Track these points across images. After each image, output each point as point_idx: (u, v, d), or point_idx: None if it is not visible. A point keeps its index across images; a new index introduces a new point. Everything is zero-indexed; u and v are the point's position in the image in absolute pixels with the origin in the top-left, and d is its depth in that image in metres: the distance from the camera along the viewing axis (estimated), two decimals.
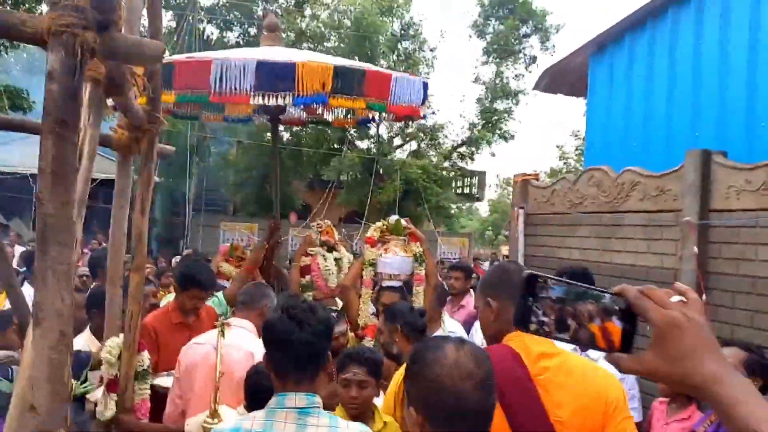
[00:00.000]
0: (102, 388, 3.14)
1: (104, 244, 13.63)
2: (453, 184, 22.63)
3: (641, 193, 4.71)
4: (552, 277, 0.98)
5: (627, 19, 5.52)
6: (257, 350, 3.01)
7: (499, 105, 20.37)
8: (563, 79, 6.73)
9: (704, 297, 4.04)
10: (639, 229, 4.73)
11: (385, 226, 4.58)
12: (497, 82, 20.49)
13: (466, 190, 25.27)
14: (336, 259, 4.89)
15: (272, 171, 6.91)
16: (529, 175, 6.30)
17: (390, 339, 3.18)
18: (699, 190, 4.15)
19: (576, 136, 24.24)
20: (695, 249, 4.10)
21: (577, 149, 24.36)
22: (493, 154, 21.23)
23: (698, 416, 2.96)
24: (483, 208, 37.42)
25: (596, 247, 5.18)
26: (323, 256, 4.85)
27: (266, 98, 4.41)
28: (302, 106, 6.28)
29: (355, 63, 5.16)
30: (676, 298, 0.91)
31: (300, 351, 1.88)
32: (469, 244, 25.37)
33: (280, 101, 4.59)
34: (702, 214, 4.14)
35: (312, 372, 1.92)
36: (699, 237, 4.12)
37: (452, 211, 21.56)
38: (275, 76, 4.63)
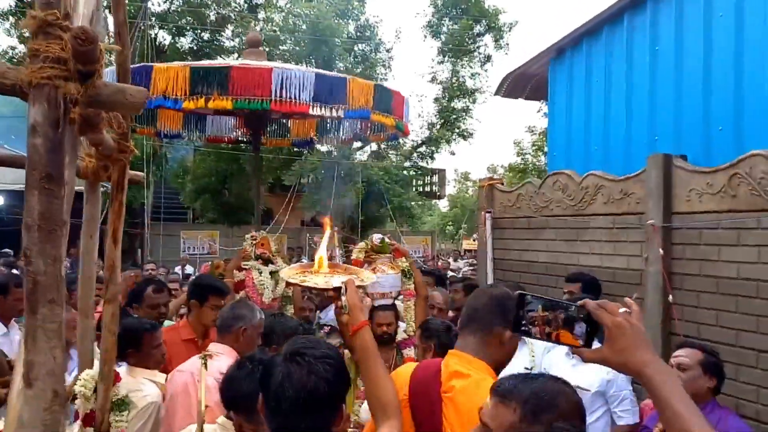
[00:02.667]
0: (78, 422, 3.08)
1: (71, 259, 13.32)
2: (414, 183, 22.75)
3: (605, 196, 4.82)
4: (535, 294, 1.36)
5: (585, 24, 5.63)
6: None
7: (457, 104, 20.56)
8: (524, 84, 6.83)
9: (670, 297, 4.16)
10: (604, 231, 4.84)
11: (369, 247, 4.51)
12: (454, 81, 20.67)
13: (427, 188, 25.45)
14: (272, 272, 4.77)
15: (253, 187, 6.87)
16: (494, 179, 6.38)
17: (423, 356, 3.20)
18: (661, 194, 4.27)
19: (532, 131, 24.63)
20: (660, 251, 4.21)
21: (533, 144, 24.74)
22: (452, 153, 21.40)
23: None
24: (443, 203, 37.70)
25: (563, 249, 5.28)
26: (258, 269, 4.74)
27: (323, 109, 4.54)
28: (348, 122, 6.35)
29: (217, 63, 5.23)
30: (622, 310, 1.30)
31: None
32: (432, 242, 25.58)
33: (335, 113, 4.76)
34: (665, 216, 4.26)
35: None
36: (663, 239, 4.23)
37: (414, 211, 21.64)
38: (330, 90, 4.75)
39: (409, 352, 4.13)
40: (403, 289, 4.43)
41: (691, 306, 4.10)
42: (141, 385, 3.20)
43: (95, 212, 3.11)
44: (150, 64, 4.63)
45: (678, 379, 1.32)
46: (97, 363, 3.06)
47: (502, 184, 6.26)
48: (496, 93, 6.93)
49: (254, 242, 4.93)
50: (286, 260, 5.12)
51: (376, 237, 4.59)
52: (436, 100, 20.65)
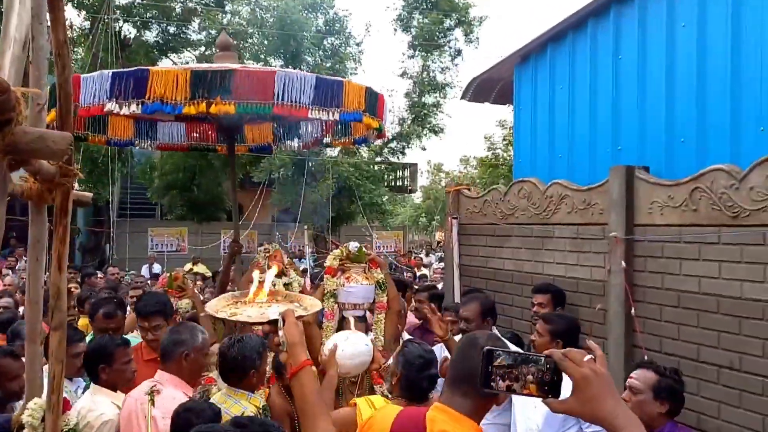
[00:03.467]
0: None
1: (24, 260, 13.02)
2: (385, 178, 22.70)
3: (569, 206, 4.80)
4: (503, 349, 1.40)
5: (550, 30, 5.59)
6: None
7: (428, 99, 20.52)
8: (489, 88, 6.78)
9: (633, 310, 4.16)
10: (568, 241, 4.83)
11: (344, 254, 4.41)
12: (424, 75, 20.60)
13: (399, 183, 25.42)
14: (285, 285, 4.65)
15: (230, 193, 6.72)
16: (461, 185, 6.34)
17: (390, 378, 3.11)
18: (624, 206, 4.25)
19: (503, 126, 24.72)
20: (623, 263, 4.20)
21: (504, 139, 24.83)
22: (423, 149, 21.37)
23: None
24: (416, 194, 37.73)
25: (528, 258, 5.26)
26: (272, 282, 4.68)
27: (320, 112, 4.46)
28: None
29: (220, 66, 5.16)
30: (587, 357, 1.32)
31: None
32: (403, 237, 25.58)
33: (331, 116, 4.68)
34: (627, 228, 4.25)
35: None
36: (625, 251, 4.22)
37: (386, 207, 21.59)
38: (328, 93, 4.68)
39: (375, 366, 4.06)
40: (376, 301, 4.32)
41: (653, 319, 4.10)
42: (97, 405, 3.14)
43: (41, 235, 2.97)
44: (146, 67, 4.47)
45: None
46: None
47: (469, 189, 6.22)
48: (462, 97, 6.88)
49: (267, 255, 4.83)
50: (298, 272, 5.03)
51: (353, 245, 4.48)
52: (407, 95, 20.59)
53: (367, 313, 4.41)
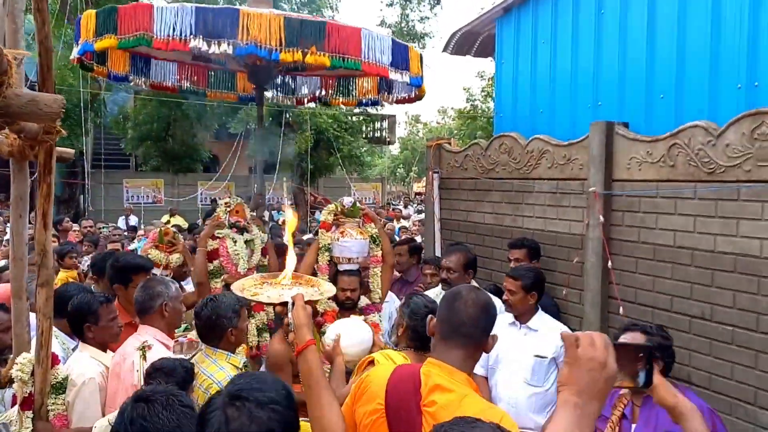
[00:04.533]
0: (16, 407, 3.02)
1: (5, 211, 12.77)
2: (363, 129, 22.56)
3: (549, 161, 4.86)
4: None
5: None
6: None
7: None
8: (471, 42, 6.73)
9: (609, 263, 4.28)
10: (548, 195, 4.90)
11: (338, 209, 4.42)
12: (403, 25, 20.32)
13: (377, 134, 25.30)
14: (247, 241, 4.66)
15: (256, 144, 6.61)
16: (441, 139, 6.35)
17: (397, 330, 3.19)
18: (603, 161, 4.32)
19: (482, 77, 24.56)
20: (601, 217, 4.30)
21: (483, 90, 24.71)
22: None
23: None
24: (393, 146, 37.65)
25: (508, 212, 5.34)
26: (233, 238, 4.59)
27: (204, 44, 4.21)
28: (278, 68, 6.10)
29: (310, 17, 5.04)
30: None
31: None
32: (382, 188, 25.62)
33: (404, 78, 4.65)
34: (606, 183, 4.33)
35: None
36: (603, 206, 4.31)
37: (364, 159, 21.53)
38: (400, 55, 4.69)
39: (373, 318, 4.13)
40: (371, 255, 4.38)
41: (629, 271, 4.22)
42: (80, 363, 3.17)
43: (23, 192, 2.97)
44: (235, 6, 4.32)
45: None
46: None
47: (449, 143, 6.24)
48: (444, 50, 6.83)
49: (228, 209, 4.72)
50: (261, 228, 4.95)
51: (347, 200, 4.49)
52: None
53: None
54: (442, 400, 1.88)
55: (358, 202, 4.51)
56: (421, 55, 5.11)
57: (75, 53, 4.80)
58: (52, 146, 2.77)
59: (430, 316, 2.12)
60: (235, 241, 4.57)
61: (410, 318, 3.14)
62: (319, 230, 4.44)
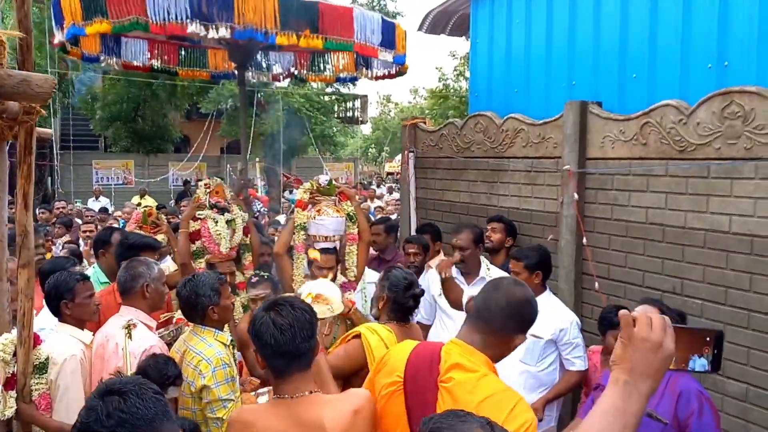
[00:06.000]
0: None
1: None
2: (336, 109, 22.46)
3: (524, 140, 4.93)
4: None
5: None
6: (159, 345, 3.05)
7: None
8: (446, 20, 6.74)
9: (584, 240, 4.38)
10: (523, 174, 4.98)
11: (314, 188, 4.42)
12: (375, 3, 20.18)
13: (350, 114, 25.22)
14: (228, 221, 4.63)
15: (241, 128, 6.55)
16: (417, 118, 6.39)
17: (377, 303, 3.27)
18: (577, 140, 4.40)
19: (454, 56, 24.55)
20: (575, 195, 4.39)
21: (455, 70, 24.72)
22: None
23: None
24: (365, 125, 37.57)
25: (483, 191, 5.41)
26: (214, 219, 4.57)
27: (202, 29, 4.15)
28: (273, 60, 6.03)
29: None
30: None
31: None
32: (354, 168, 25.60)
33: (387, 56, 4.66)
34: (580, 162, 4.41)
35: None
36: (577, 184, 4.40)
37: (337, 138, 21.46)
38: (389, 34, 4.69)
39: (350, 295, 4.16)
40: (347, 233, 4.41)
41: (602, 248, 4.32)
42: (60, 342, 3.17)
43: (2, 172, 2.94)
44: None
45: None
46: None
47: (425, 123, 6.28)
48: (419, 29, 6.84)
49: (208, 191, 4.72)
50: (242, 208, 4.93)
51: (323, 178, 4.51)
52: None
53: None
54: (460, 377, 1.93)
55: (333, 180, 4.53)
56: (405, 32, 5.13)
57: (61, 37, 4.67)
58: (33, 126, 2.74)
59: (470, 296, 2.18)
60: (217, 222, 4.56)
61: (390, 290, 3.22)
62: (295, 209, 4.46)
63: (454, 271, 4.38)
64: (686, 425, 2.67)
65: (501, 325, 2.04)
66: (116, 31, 4.40)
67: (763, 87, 3.38)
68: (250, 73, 7.01)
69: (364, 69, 6.43)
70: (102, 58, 6.06)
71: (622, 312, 1.30)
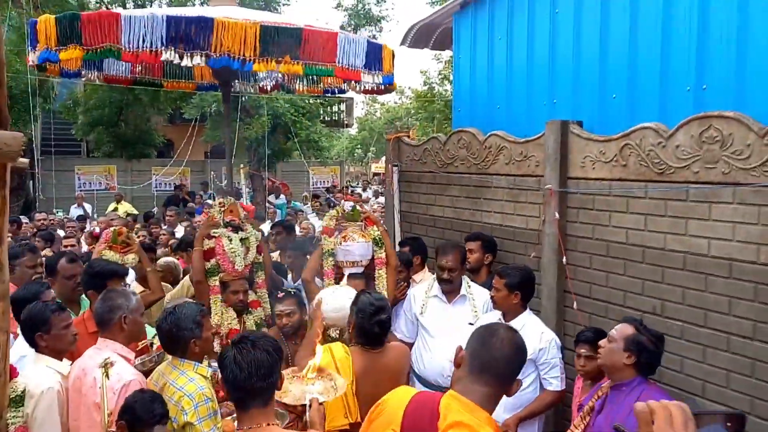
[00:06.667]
0: None
1: None
2: (321, 112, 22.41)
3: (507, 157, 4.94)
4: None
5: None
6: (139, 378, 3.02)
7: (363, 32, 20.17)
8: (429, 35, 6.76)
9: (564, 258, 4.40)
10: (505, 191, 5.00)
11: (339, 214, 4.52)
12: (359, 7, 20.17)
13: (335, 117, 25.18)
14: (242, 239, 4.64)
15: (226, 142, 6.54)
16: (401, 132, 6.39)
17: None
18: (558, 159, 4.42)
19: (438, 59, 24.60)
20: (556, 214, 4.41)
21: (440, 73, 24.77)
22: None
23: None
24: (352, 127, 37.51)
25: (467, 206, 5.42)
26: (228, 237, 4.56)
27: (177, 57, 4.08)
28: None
29: (286, 19, 4.94)
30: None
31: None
32: (340, 171, 25.56)
33: (376, 79, 4.62)
34: (561, 180, 4.44)
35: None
36: (559, 202, 4.42)
37: (322, 143, 21.41)
38: (374, 56, 4.66)
39: None
40: (375, 257, 4.50)
41: (583, 267, 4.35)
42: (36, 374, 3.14)
43: None
44: (209, 15, 4.15)
45: None
46: None
47: (409, 137, 6.28)
48: (402, 43, 6.84)
49: (222, 209, 4.74)
50: (256, 226, 4.97)
51: (348, 205, 4.66)
52: (342, 27, 20.14)
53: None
54: None
55: (357, 206, 4.62)
56: (393, 51, 5.15)
57: (34, 58, 4.63)
58: (5, 164, 2.69)
59: (459, 346, 2.15)
60: (231, 240, 4.56)
61: (356, 316, 3.27)
62: (322, 236, 4.56)
63: (436, 289, 4.41)
64: None
65: (510, 377, 2.01)
66: (88, 58, 4.36)
67: (741, 112, 3.42)
68: (237, 85, 6.97)
69: (353, 82, 6.43)
70: (83, 72, 6.00)
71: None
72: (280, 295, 4.20)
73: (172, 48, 4.01)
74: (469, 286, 4.46)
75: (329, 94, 7.03)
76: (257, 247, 4.76)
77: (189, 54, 4.05)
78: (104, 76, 6.33)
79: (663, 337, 3.16)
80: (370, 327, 3.28)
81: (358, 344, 3.29)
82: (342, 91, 6.98)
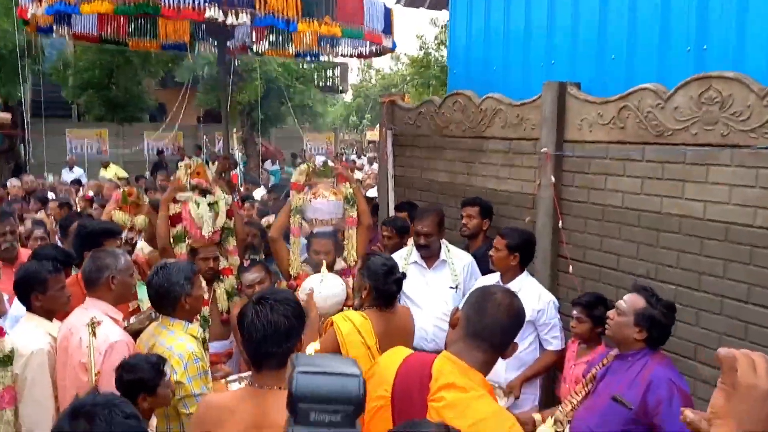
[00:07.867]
0: None
1: None
2: (315, 77, 22.16)
3: (502, 120, 4.87)
4: None
5: None
6: (126, 339, 2.99)
7: None
8: None
9: (560, 223, 4.37)
10: (501, 155, 4.94)
11: (310, 169, 4.28)
12: None
13: (329, 83, 24.93)
14: (211, 204, 4.39)
15: (222, 106, 6.34)
16: (394, 95, 6.29)
17: (359, 291, 3.25)
18: (555, 122, 4.35)
19: (435, 24, 24.20)
20: (552, 178, 4.36)
21: (436, 38, 24.38)
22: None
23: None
24: (346, 94, 37.12)
25: (462, 170, 5.36)
26: (195, 201, 4.31)
27: (221, 14, 3.91)
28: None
29: None
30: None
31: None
32: (335, 138, 25.42)
33: (239, 19, 4.12)
34: (557, 144, 4.37)
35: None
36: (554, 166, 4.37)
37: (316, 109, 21.21)
38: (387, 20, 4.65)
39: (348, 281, 4.05)
40: (346, 216, 4.31)
41: (578, 231, 4.32)
42: (27, 334, 3.11)
43: None
44: None
45: None
46: None
47: (403, 100, 6.19)
48: (396, 2, 6.70)
49: (189, 171, 4.45)
50: (225, 189, 4.65)
51: (319, 159, 4.42)
52: None
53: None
54: (452, 398, 1.85)
55: (329, 161, 4.46)
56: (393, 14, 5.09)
57: (41, 10, 4.39)
58: None
59: (455, 307, 2.10)
60: (198, 204, 4.32)
61: (370, 278, 3.20)
62: (291, 191, 4.34)
63: (415, 255, 4.35)
64: (656, 413, 2.68)
65: (507, 341, 1.99)
66: (120, 13, 4.18)
67: (742, 72, 3.35)
68: (202, 47, 6.76)
69: (328, 47, 6.29)
70: (54, 28, 5.78)
71: (722, 351, 1.10)
72: (246, 263, 4.08)
73: (216, 5, 3.86)
74: (449, 251, 4.40)
75: (301, 58, 6.88)
76: (227, 212, 4.49)
77: (233, 11, 3.91)
78: (73, 33, 6.12)
79: (675, 306, 3.01)
80: (388, 287, 3.20)
81: (373, 306, 3.21)
82: (316, 56, 6.82)
